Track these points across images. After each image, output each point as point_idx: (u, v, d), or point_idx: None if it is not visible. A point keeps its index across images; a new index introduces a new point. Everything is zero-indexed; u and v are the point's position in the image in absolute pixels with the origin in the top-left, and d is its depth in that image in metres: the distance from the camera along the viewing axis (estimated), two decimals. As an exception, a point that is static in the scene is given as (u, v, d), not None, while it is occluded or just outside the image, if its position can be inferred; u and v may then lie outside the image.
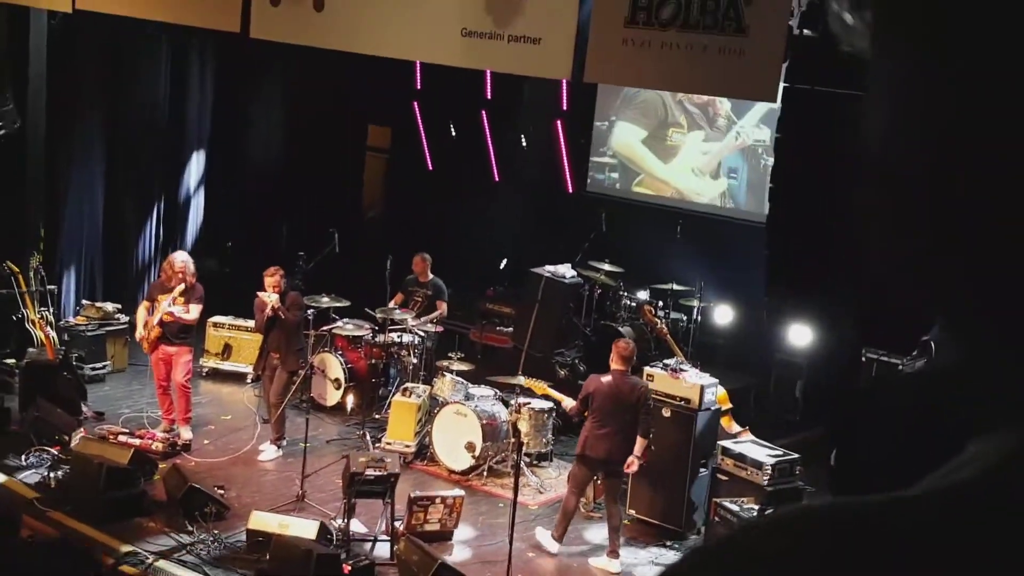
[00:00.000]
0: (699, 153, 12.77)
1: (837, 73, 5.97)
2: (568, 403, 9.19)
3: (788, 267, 6.42)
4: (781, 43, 6.32)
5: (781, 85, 6.31)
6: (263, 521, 8.26)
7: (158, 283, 10.18)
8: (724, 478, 9.05)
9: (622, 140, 13.21)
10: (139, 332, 10.10)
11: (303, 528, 8.16)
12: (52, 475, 8.80)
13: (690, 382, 9.28)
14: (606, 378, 8.59)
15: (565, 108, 13.51)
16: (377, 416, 11.09)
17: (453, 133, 14.59)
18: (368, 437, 10.59)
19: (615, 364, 8.61)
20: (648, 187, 13.17)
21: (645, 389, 8.73)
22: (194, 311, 9.98)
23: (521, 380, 9.97)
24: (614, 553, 8.65)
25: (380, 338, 11.28)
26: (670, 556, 8.92)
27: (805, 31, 6.15)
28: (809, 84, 6.02)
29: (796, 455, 9.12)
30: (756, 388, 11.77)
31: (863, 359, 10.07)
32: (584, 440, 8.57)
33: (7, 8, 10.94)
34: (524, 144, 13.94)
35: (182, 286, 9.79)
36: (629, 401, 8.54)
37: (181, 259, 10.03)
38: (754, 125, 12.25)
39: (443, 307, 11.73)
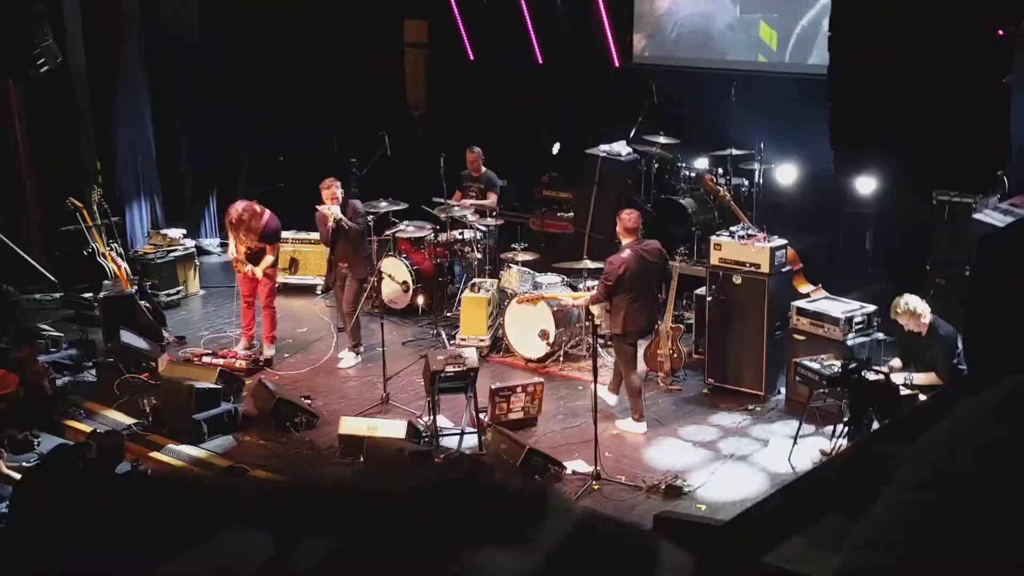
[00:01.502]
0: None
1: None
2: (583, 299, 9.29)
3: (852, 116, 6.28)
4: None
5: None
6: (353, 426, 8.45)
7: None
8: (801, 338, 9.06)
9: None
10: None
11: (392, 429, 8.35)
12: (144, 401, 9.03)
13: (758, 246, 9.21)
14: (626, 253, 8.63)
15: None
16: (449, 314, 11.20)
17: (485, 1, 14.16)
18: (443, 335, 10.70)
19: (627, 236, 8.70)
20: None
21: (660, 244, 8.99)
22: (266, 260, 10.12)
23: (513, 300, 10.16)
24: (640, 415, 8.85)
25: (442, 236, 11.33)
26: (751, 421, 8.98)
27: None
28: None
29: (872, 307, 9.09)
30: (825, 244, 11.65)
31: (934, 201, 9.91)
32: (624, 317, 8.63)
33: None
34: (561, 15, 13.54)
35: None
36: (658, 263, 8.84)
37: (237, 210, 9.97)
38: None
39: (492, 198, 11.75)
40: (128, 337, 9.95)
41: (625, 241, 8.72)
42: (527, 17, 13.79)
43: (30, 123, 12.31)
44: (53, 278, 11.94)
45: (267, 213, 10.10)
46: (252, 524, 0.69)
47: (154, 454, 8.43)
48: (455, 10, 14.46)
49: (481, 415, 8.69)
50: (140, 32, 12.88)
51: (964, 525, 0.65)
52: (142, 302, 10.67)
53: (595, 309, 9.24)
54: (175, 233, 12.41)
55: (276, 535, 0.69)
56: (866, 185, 10.70)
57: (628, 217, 8.79)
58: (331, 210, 9.85)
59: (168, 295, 11.82)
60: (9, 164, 12.35)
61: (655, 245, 8.90)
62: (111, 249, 11.24)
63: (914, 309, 8.18)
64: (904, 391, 7.79)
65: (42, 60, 11.12)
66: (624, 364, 8.96)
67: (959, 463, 0.68)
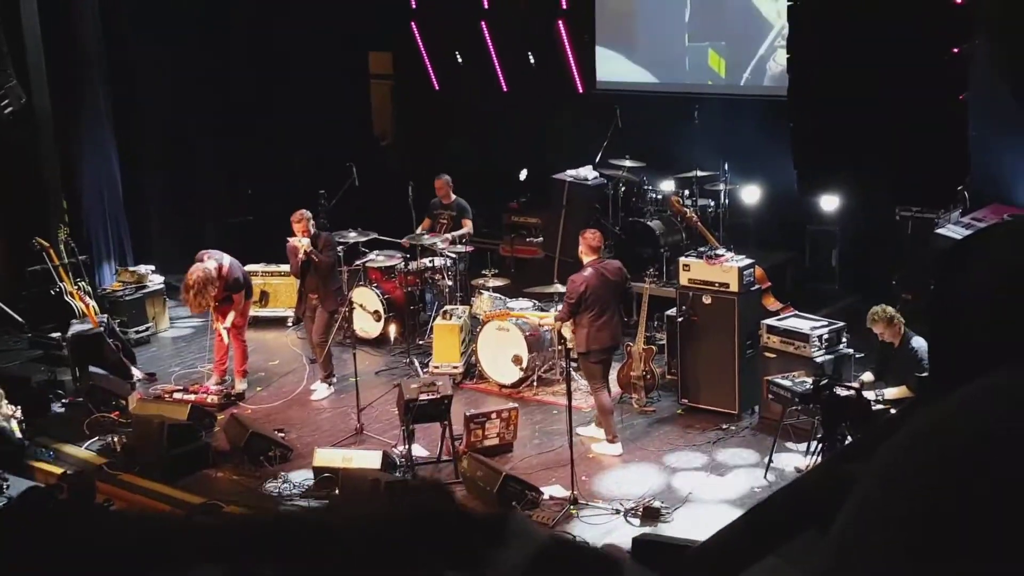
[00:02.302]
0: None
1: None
2: (548, 318, 9.35)
3: (814, 136, 6.36)
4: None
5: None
6: (327, 457, 8.41)
7: None
8: (772, 356, 9.12)
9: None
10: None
11: (367, 459, 8.30)
12: (115, 439, 8.95)
13: (726, 266, 9.28)
14: (588, 272, 8.74)
15: (565, 7, 13.27)
16: (421, 342, 11.19)
17: (459, 59, 14.38)
18: (416, 363, 10.68)
19: (589, 255, 8.82)
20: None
21: (621, 264, 9.08)
22: (230, 317, 10.07)
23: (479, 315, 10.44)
24: (614, 437, 8.91)
25: (413, 265, 11.34)
26: (726, 440, 9.01)
27: None
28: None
29: (841, 323, 9.17)
30: (792, 262, 11.75)
31: (897, 217, 10.05)
32: (587, 336, 8.70)
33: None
34: (531, 59, 13.71)
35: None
36: (618, 282, 8.87)
37: (194, 278, 9.64)
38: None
39: (468, 225, 11.77)
40: (97, 376, 9.87)
41: (587, 259, 8.83)
42: (491, 46, 13.88)
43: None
44: (20, 319, 11.83)
45: (225, 265, 9.96)
46: (210, 560, 0.71)
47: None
48: (419, 42, 14.53)
49: (456, 442, 8.67)
50: (104, 70, 12.84)
51: (915, 541, 0.66)
52: (111, 340, 10.59)
53: (566, 332, 9.27)
54: (143, 269, 12.32)
55: (233, 570, 0.70)
56: (830, 203, 10.84)
57: (592, 236, 8.92)
58: (301, 242, 9.86)
59: (138, 332, 11.71)
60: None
61: (616, 264, 9.01)
62: (78, 288, 11.17)
63: (891, 317, 8.26)
64: (877, 406, 7.85)
65: (6, 102, 11.12)
66: (592, 384, 9.00)
67: (908, 478, 0.69)
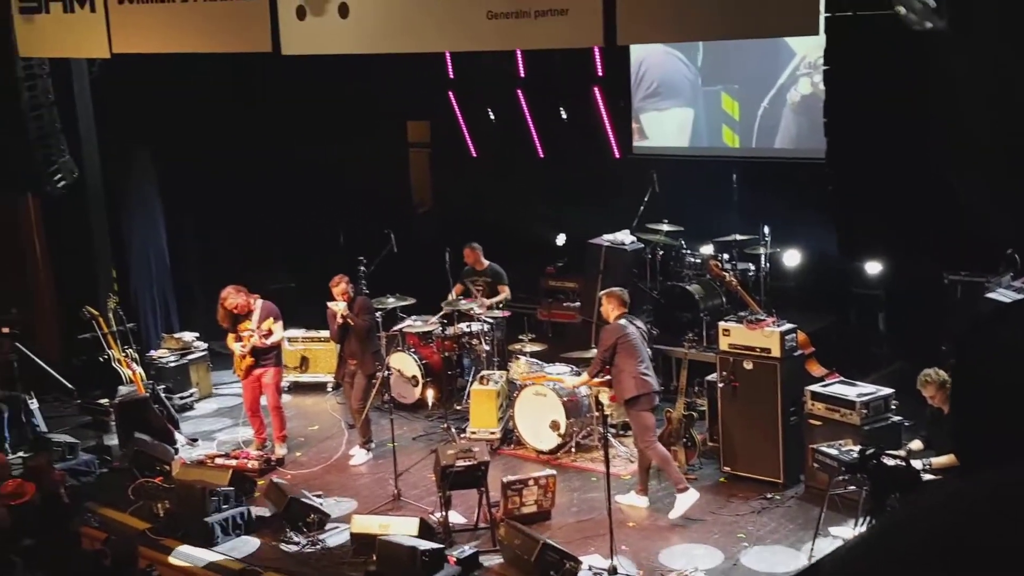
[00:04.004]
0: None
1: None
2: (583, 378, 9.38)
3: (855, 199, 6.32)
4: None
5: (822, 16, 6.15)
6: (365, 524, 8.37)
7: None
8: (817, 423, 8.92)
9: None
10: (236, 362, 10.40)
11: (404, 526, 8.25)
12: (158, 505, 8.98)
13: (768, 331, 9.17)
14: (623, 322, 8.85)
15: (601, 74, 13.40)
16: (458, 407, 11.16)
17: (492, 117, 14.57)
18: (453, 429, 10.65)
19: (619, 310, 8.94)
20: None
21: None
22: (276, 332, 10.19)
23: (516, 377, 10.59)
24: (644, 490, 8.92)
25: (450, 330, 11.35)
26: (771, 510, 8.81)
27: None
28: (851, 10, 5.91)
29: (889, 390, 8.96)
30: (837, 327, 11.57)
31: (945, 282, 9.84)
32: (635, 381, 8.66)
33: (50, 62, 11.15)
34: (564, 116, 13.85)
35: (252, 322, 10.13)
36: (645, 335, 9.11)
37: (231, 300, 10.20)
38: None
39: (506, 290, 11.79)
40: (142, 441, 9.98)
41: (615, 314, 8.92)
42: (527, 113, 14.02)
43: (48, 235, 12.60)
44: (70, 385, 12.01)
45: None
46: None
47: (170, 559, 8.33)
48: (456, 110, 14.71)
49: (493, 509, 8.59)
50: (151, 144, 13.15)
51: None
52: (156, 406, 10.73)
53: (604, 398, 9.21)
54: (188, 337, 12.48)
55: None
56: (874, 266, 10.70)
57: (621, 291, 9.11)
58: (339, 306, 9.97)
59: (182, 398, 11.87)
60: (28, 275, 12.55)
61: (640, 322, 9.29)
62: (126, 355, 11.34)
63: (943, 381, 8.03)
64: (926, 475, 7.63)
65: (60, 176, 11.37)
66: (644, 437, 8.80)
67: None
